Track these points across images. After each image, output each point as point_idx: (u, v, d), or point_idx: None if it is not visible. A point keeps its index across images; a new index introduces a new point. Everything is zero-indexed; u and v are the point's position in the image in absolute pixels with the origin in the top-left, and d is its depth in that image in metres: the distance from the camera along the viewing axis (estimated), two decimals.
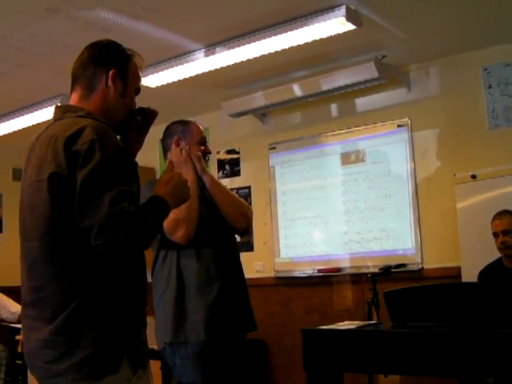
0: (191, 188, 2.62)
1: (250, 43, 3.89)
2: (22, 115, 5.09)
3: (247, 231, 2.90)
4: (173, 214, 2.55)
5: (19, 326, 4.69)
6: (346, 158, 4.97)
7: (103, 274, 1.70)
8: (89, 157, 1.64)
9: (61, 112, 1.87)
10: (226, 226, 2.77)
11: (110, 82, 1.86)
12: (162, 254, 2.68)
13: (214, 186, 2.78)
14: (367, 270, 4.50)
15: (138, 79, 1.96)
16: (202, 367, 2.58)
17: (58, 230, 1.68)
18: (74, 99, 1.89)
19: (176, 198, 1.86)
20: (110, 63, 1.87)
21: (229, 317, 2.64)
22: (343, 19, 3.55)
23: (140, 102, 1.99)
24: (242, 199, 2.93)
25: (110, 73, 1.86)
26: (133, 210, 1.62)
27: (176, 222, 2.54)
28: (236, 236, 2.87)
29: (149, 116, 2.02)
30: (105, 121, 1.79)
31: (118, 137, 1.90)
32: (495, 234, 3.71)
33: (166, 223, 2.55)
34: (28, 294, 1.76)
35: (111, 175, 1.65)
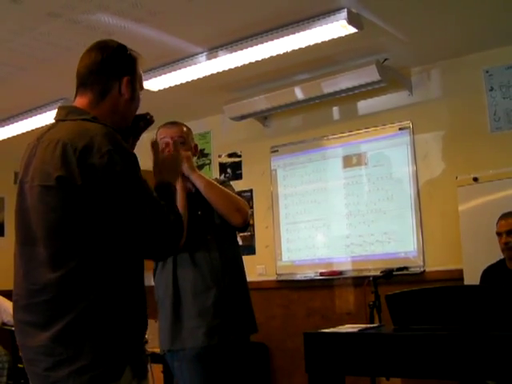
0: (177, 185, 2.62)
1: (251, 46, 3.89)
2: (24, 119, 5.10)
3: (246, 226, 2.77)
4: None
5: None
6: (348, 161, 4.97)
7: (107, 282, 1.68)
8: (111, 171, 1.65)
9: (64, 113, 1.83)
10: (223, 230, 2.73)
11: (123, 89, 1.85)
12: (161, 261, 2.69)
13: (204, 184, 2.69)
14: (369, 273, 4.50)
15: (142, 80, 1.95)
16: (200, 373, 2.58)
17: (67, 237, 1.66)
18: (81, 103, 1.83)
19: (172, 178, 1.96)
20: (123, 71, 1.85)
21: (227, 322, 2.63)
22: (345, 22, 3.56)
23: (142, 105, 1.99)
24: (235, 195, 2.80)
25: (124, 81, 1.85)
26: (172, 219, 1.74)
27: None
28: (237, 237, 2.86)
29: (148, 123, 2.01)
30: (111, 125, 1.76)
31: None
32: (499, 234, 3.69)
33: None
34: (22, 296, 1.73)
35: (137, 185, 1.70)
